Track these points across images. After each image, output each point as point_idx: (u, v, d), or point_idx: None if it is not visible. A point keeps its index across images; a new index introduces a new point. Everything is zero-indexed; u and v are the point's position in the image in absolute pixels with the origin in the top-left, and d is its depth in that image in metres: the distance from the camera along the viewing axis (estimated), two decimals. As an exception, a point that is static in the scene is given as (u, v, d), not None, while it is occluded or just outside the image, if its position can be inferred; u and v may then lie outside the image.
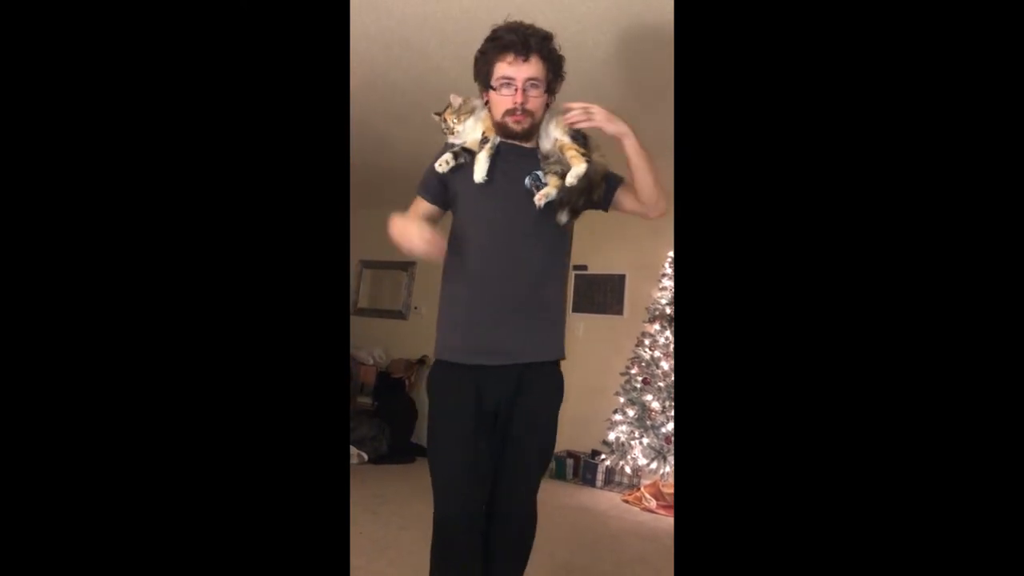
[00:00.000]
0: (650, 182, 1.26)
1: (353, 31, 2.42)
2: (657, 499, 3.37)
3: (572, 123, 1.24)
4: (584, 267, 4.62)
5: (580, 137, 1.31)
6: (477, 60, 1.28)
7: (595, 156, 1.29)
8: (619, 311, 4.42)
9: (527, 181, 1.28)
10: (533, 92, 1.24)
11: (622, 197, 1.35)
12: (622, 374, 3.74)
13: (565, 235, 1.36)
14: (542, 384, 1.28)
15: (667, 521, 3.10)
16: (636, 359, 3.68)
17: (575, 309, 4.61)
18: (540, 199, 1.24)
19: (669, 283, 3.70)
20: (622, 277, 4.46)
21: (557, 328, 1.32)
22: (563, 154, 1.27)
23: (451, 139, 1.33)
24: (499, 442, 1.26)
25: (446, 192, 1.35)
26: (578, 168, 1.23)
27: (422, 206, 1.37)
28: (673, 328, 3.57)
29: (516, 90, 1.22)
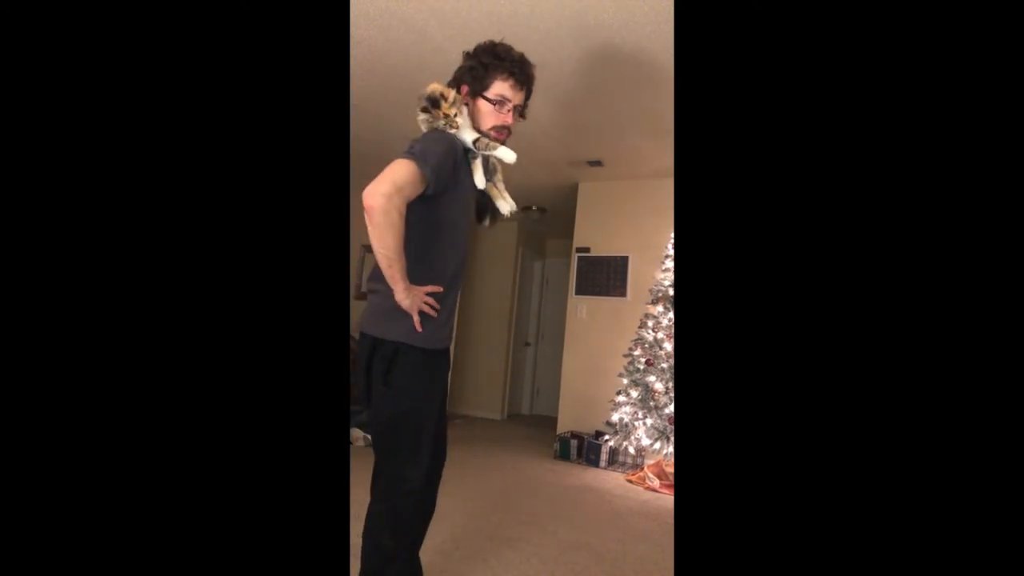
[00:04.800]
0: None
1: (352, 11, 2.40)
2: (660, 478, 3.40)
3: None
4: (587, 249, 4.62)
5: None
6: (475, 68, 1.37)
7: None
8: (622, 293, 4.43)
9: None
10: (515, 115, 1.42)
11: None
12: (625, 355, 3.75)
13: None
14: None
15: (670, 500, 3.13)
16: (639, 340, 3.69)
17: (577, 292, 4.61)
18: (508, 212, 1.46)
19: (672, 264, 3.70)
20: (625, 259, 4.45)
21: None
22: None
23: (458, 133, 1.34)
24: None
25: (448, 182, 1.31)
26: (511, 203, 1.46)
27: (412, 178, 1.21)
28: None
29: (509, 111, 1.39)
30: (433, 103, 1.32)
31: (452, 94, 1.32)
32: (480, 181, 1.38)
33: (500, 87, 1.37)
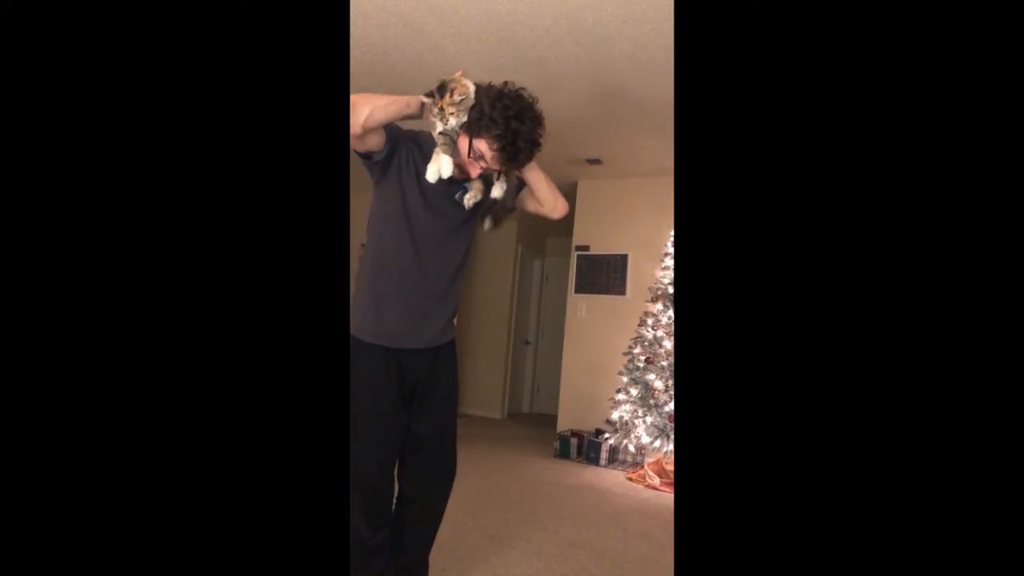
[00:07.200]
0: (544, 187, 1.44)
1: (351, 10, 2.39)
2: (660, 476, 3.40)
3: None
4: (586, 247, 4.62)
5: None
6: (483, 113, 1.26)
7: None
8: (622, 291, 4.43)
9: (457, 195, 1.40)
10: (482, 171, 1.37)
11: (526, 199, 1.50)
12: (625, 354, 3.76)
13: (472, 238, 1.52)
14: (453, 359, 1.54)
15: (670, 498, 3.13)
16: (639, 338, 3.69)
17: (577, 290, 4.61)
18: (469, 200, 1.38)
19: (672, 262, 3.70)
20: (624, 257, 4.46)
21: (453, 314, 1.54)
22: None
23: (439, 127, 1.30)
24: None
25: (388, 152, 1.33)
26: (503, 184, 1.38)
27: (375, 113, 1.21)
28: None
29: (479, 169, 1.33)
30: (440, 91, 1.25)
31: (463, 95, 1.25)
32: (432, 174, 1.26)
33: (484, 147, 1.27)
